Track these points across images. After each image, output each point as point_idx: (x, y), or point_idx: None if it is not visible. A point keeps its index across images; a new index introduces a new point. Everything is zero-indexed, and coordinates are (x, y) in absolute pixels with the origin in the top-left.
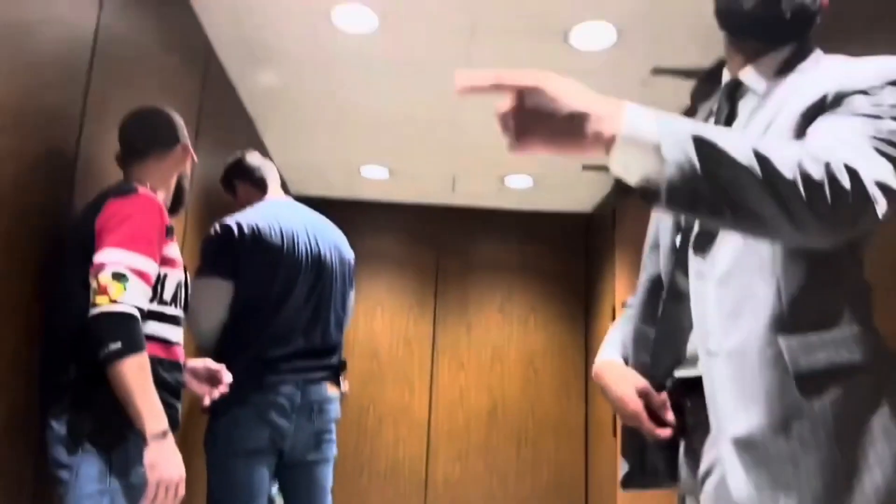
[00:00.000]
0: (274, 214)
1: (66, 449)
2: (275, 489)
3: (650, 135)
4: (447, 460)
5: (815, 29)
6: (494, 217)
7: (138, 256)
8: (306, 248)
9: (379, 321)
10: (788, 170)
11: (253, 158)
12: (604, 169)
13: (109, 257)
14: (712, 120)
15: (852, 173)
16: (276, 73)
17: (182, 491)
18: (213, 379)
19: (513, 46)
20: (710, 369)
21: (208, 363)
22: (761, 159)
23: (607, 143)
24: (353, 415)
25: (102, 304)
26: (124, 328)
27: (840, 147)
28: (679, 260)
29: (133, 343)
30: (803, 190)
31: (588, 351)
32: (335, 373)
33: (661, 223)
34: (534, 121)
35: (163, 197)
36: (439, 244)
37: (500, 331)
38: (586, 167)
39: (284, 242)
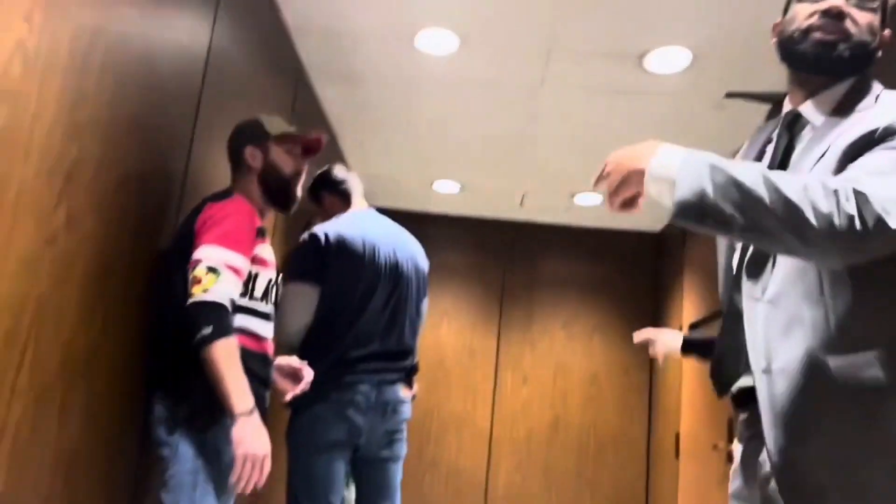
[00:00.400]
0: (358, 225)
1: (167, 429)
2: (345, 484)
3: (674, 167)
4: (508, 471)
5: (876, 63)
6: (562, 234)
7: (231, 253)
8: (386, 258)
9: (445, 331)
10: (794, 193)
11: (339, 171)
12: None
13: (205, 253)
14: (771, 146)
15: (860, 196)
16: (359, 93)
17: (268, 467)
18: (295, 376)
19: (588, 68)
20: (763, 387)
21: (292, 361)
22: (769, 184)
23: (643, 178)
24: (418, 419)
25: (197, 295)
26: (215, 315)
27: (863, 176)
28: (735, 280)
29: (222, 328)
30: (808, 213)
31: (652, 371)
32: (408, 375)
33: (719, 244)
34: (611, 183)
35: (254, 200)
36: (506, 259)
37: (563, 347)
38: None
39: (366, 251)
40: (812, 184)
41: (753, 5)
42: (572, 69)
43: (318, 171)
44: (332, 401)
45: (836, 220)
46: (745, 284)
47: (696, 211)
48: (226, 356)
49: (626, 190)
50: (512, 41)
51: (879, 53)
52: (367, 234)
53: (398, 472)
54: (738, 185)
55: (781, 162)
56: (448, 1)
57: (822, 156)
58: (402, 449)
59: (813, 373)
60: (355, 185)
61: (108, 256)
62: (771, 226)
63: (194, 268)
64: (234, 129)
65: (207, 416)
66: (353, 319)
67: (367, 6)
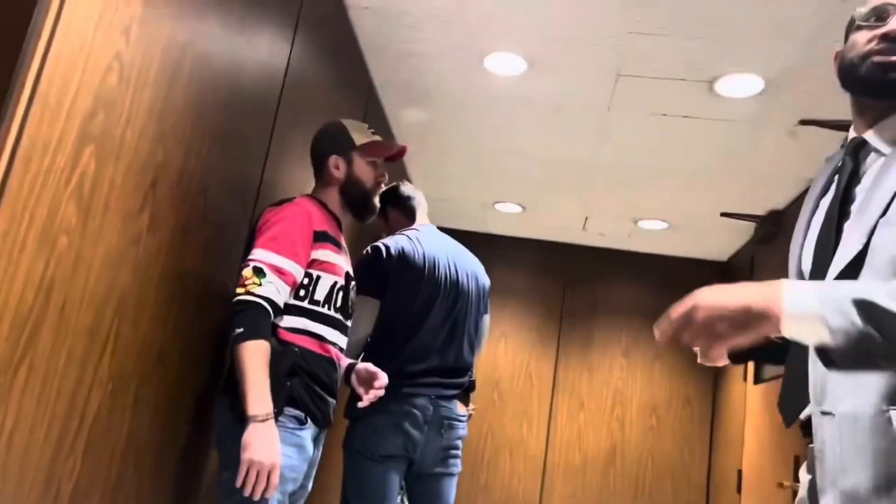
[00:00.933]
0: (419, 240)
1: (224, 429)
2: (398, 498)
3: (813, 307)
4: (561, 498)
5: None
6: (625, 259)
7: (279, 257)
8: (446, 273)
9: (502, 352)
10: None
11: (406, 188)
12: (744, 217)
13: (254, 255)
14: (835, 178)
15: None
16: (427, 112)
17: (275, 480)
18: (369, 381)
19: (657, 91)
20: (821, 427)
21: (368, 366)
22: None
23: (776, 324)
24: (472, 441)
25: (240, 294)
26: (249, 315)
27: None
28: None
29: (254, 330)
30: None
31: (715, 403)
32: (465, 392)
33: (790, 272)
34: (711, 333)
35: (333, 207)
36: (566, 282)
37: (623, 374)
38: (724, 214)
39: (426, 266)
40: None
41: (828, 32)
42: (640, 93)
43: (386, 187)
44: (389, 412)
45: None
46: None
47: (860, 358)
48: (251, 358)
49: (743, 334)
50: (580, 63)
51: None
52: (428, 250)
53: (452, 489)
54: (894, 318)
55: (845, 190)
56: (517, 25)
57: None
58: (457, 466)
59: (875, 421)
60: (420, 202)
61: (184, 261)
62: None
63: (243, 268)
64: (319, 132)
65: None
66: (412, 334)
67: (439, 29)
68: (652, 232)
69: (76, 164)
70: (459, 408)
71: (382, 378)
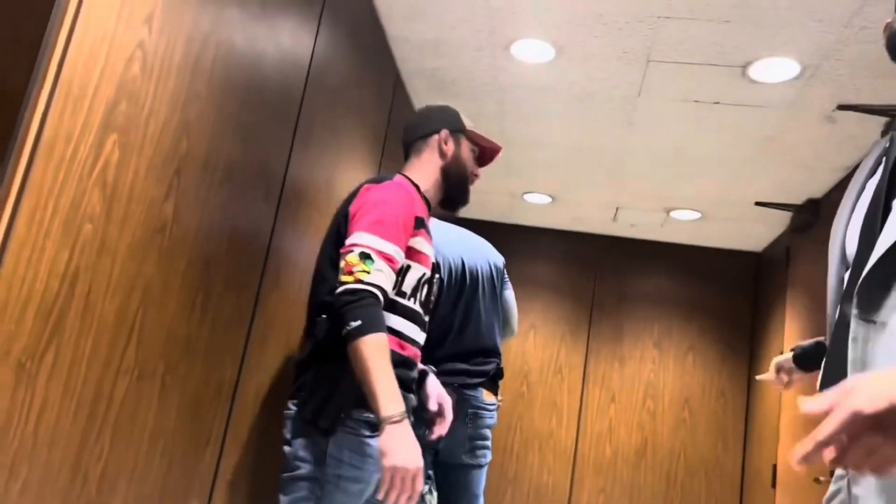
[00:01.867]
0: None
1: (291, 428)
2: (426, 488)
3: None
4: (592, 492)
5: None
6: (656, 249)
7: (384, 241)
8: (447, 259)
9: (531, 344)
10: None
11: None
12: (779, 206)
13: (359, 240)
14: (883, 159)
15: None
16: (454, 102)
17: (420, 485)
18: (440, 413)
19: (688, 77)
20: None
21: (442, 396)
22: None
23: None
24: (500, 434)
25: (348, 283)
26: (364, 307)
27: None
28: (846, 295)
29: (373, 322)
30: None
31: (750, 396)
32: (492, 380)
33: (831, 256)
34: (878, 440)
35: (427, 188)
36: (597, 273)
37: (655, 367)
38: (759, 203)
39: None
40: None
41: (865, 10)
42: (671, 79)
43: None
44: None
45: None
46: (857, 300)
47: None
48: (375, 352)
49: None
50: (608, 49)
51: None
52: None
53: (481, 479)
54: None
55: (893, 169)
56: (544, 10)
57: None
58: (486, 457)
59: None
60: None
61: (209, 251)
62: None
63: (346, 254)
64: (428, 108)
65: (332, 418)
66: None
67: (465, 17)
68: (685, 222)
69: (100, 153)
70: (486, 396)
71: (449, 415)
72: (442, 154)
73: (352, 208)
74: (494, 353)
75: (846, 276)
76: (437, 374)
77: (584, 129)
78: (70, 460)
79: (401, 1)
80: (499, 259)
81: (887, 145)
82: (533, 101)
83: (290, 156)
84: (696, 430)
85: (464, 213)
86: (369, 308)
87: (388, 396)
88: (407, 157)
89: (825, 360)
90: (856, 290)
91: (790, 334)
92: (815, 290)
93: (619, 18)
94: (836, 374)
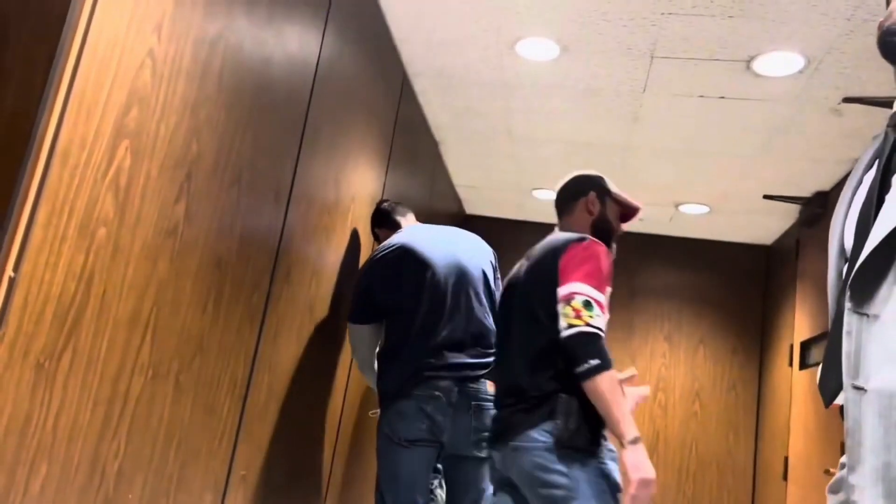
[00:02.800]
0: (396, 241)
1: (557, 457)
2: (436, 482)
3: None
4: None
5: None
6: (666, 243)
7: (599, 293)
8: (434, 255)
9: None
10: None
11: (384, 205)
12: (788, 199)
13: (577, 288)
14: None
15: None
16: (461, 101)
17: (654, 490)
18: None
19: (693, 72)
20: (854, 403)
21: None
22: None
23: None
24: None
25: (579, 325)
26: (598, 347)
27: None
28: (844, 287)
29: (607, 360)
30: None
31: (761, 388)
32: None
33: (830, 249)
34: None
35: None
36: None
37: (665, 360)
38: (768, 196)
39: (404, 254)
40: None
41: (870, 5)
42: (676, 74)
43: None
44: (414, 397)
45: None
46: (850, 293)
47: None
48: (611, 388)
49: None
50: (613, 46)
51: None
52: (401, 240)
53: (486, 473)
54: None
55: (888, 162)
56: (548, 8)
57: None
58: None
59: None
60: (401, 211)
61: (220, 251)
62: None
63: (569, 300)
64: (577, 176)
65: (588, 440)
66: (412, 318)
67: (470, 15)
68: (693, 216)
69: (112, 157)
70: (490, 387)
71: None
72: (590, 212)
73: (562, 262)
74: (492, 344)
75: (845, 269)
76: (440, 370)
77: (590, 125)
78: (88, 457)
79: (406, 1)
80: (486, 248)
81: (883, 139)
82: (539, 99)
83: (299, 157)
84: (707, 423)
85: (473, 210)
86: (601, 348)
87: (628, 422)
88: (560, 216)
89: (824, 354)
90: (848, 283)
91: (800, 327)
92: (824, 282)
93: (622, 15)
94: (832, 367)
